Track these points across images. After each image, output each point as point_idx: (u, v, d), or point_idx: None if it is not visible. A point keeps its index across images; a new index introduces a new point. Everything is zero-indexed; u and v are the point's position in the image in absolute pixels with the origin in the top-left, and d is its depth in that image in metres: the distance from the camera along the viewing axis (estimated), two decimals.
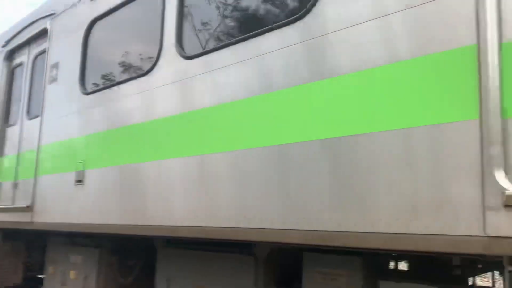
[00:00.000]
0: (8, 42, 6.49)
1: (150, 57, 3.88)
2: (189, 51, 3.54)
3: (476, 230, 1.96)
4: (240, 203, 2.91)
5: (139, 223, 3.68)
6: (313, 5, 2.69)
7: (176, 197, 3.39)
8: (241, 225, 2.89)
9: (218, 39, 3.36)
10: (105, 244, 4.80)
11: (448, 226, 2.04)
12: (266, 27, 2.94)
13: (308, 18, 2.71)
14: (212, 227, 3.07)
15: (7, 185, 5.97)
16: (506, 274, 2.07)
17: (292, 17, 2.79)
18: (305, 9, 2.72)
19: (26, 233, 5.95)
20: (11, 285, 6.21)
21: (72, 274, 5.05)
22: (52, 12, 5.55)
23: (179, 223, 3.35)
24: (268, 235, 2.73)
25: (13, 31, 6.49)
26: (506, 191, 1.88)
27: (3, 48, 6.53)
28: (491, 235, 1.92)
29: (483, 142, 1.99)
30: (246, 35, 3.06)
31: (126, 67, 4.23)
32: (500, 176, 1.92)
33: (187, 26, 3.62)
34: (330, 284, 2.84)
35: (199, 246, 3.87)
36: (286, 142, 2.70)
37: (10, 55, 6.45)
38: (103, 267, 4.75)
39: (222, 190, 3.06)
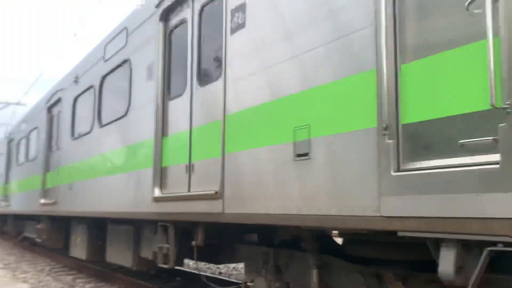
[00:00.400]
0: (48, 101, 10.55)
1: (91, 124, 7.47)
2: (102, 123, 7.06)
3: (151, 208, 5.22)
4: (120, 201, 6.39)
5: (88, 210, 7.27)
6: (126, 113, 6.05)
7: (103, 198, 6.92)
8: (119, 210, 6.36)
9: (106, 120, 6.84)
10: (90, 222, 8.51)
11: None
12: (117, 117, 6.35)
13: (126, 116, 6.08)
14: (114, 211, 6.54)
15: (50, 189, 10.01)
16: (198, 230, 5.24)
17: (121, 115, 6.18)
18: (124, 112, 6.10)
19: (62, 218, 9.94)
20: (57, 248, 10.36)
21: (78, 238, 8.89)
22: (63, 87, 9.40)
23: (107, 210, 6.88)
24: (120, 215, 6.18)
25: (50, 94, 10.52)
26: (154, 195, 5.12)
27: (46, 105, 10.62)
28: (157, 210, 5.17)
29: (153, 177, 5.22)
30: (111, 120, 6.51)
31: (86, 127, 7.85)
32: (155, 190, 5.15)
33: (102, 113, 7.15)
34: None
35: (123, 222, 7.39)
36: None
37: (49, 109, 10.50)
38: (90, 234, 8.47)
39: (110, 195, 6.53)
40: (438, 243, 2.36)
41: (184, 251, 5.22)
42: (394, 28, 2.57)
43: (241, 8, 3.90)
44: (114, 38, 6.84)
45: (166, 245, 5.02)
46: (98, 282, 8.76)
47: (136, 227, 6.69)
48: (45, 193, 10.22)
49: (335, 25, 2.93)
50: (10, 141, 15.41)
